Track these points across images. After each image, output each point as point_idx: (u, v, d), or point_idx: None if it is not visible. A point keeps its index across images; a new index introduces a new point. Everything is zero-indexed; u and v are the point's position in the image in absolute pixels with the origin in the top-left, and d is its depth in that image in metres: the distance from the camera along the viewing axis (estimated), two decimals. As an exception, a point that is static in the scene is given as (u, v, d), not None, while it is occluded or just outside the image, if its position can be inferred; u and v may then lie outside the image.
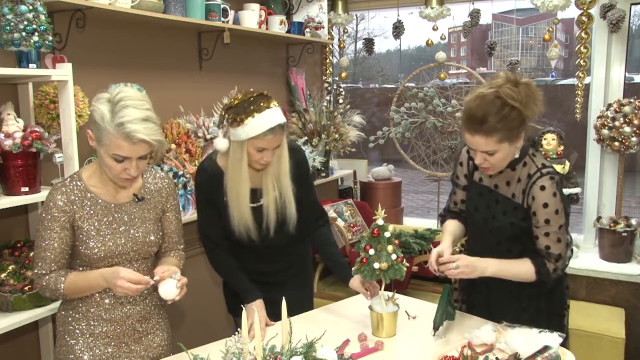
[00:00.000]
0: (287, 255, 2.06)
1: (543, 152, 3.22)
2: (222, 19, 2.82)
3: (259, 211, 1.92)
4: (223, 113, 1.83)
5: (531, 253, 1.77)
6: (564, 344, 1.70)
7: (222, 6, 2.80)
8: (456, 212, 2.01)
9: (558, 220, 1.70)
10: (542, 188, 1.69)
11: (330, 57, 4.16)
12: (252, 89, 1.87)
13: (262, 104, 1.75)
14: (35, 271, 1.56)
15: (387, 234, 1.75)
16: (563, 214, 1.71)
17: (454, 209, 2.02)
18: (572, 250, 1.83)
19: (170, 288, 1.54)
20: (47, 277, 1.55)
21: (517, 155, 1.73)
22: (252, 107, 1.74)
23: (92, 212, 1.58)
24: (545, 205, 1.69)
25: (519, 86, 1.62)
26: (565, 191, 3.13)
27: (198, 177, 1.96)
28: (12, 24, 1.80)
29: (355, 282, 1.93)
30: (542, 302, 1.84)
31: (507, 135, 1.63)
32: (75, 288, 1.55)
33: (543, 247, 1.73)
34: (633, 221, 3.14)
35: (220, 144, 1.85)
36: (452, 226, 1.96)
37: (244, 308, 1.35)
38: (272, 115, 1.75)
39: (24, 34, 1.81)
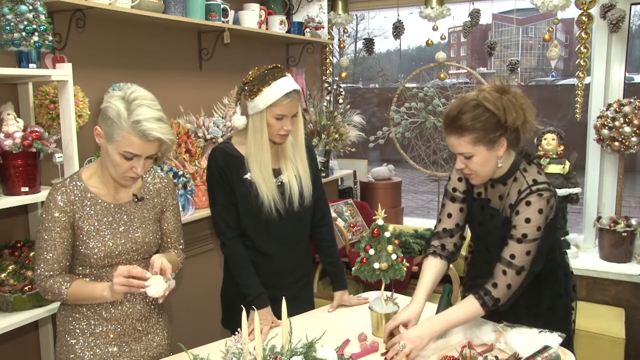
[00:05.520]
0: (296, 247, 2.05)
1: (543, 152, 3.23)
2: (222, 19, 2.82)
3: (281, 187, 1.95)
4: (239, 90, 1.91)
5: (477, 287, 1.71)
6: (567, 345, 1.70)
7: (222, 6, 2.81)
8: (441, 246, 1.87)
9: (535, 234, 1.64)
10: (528, 203, 1.64)
11: (330, 57, 4.17)
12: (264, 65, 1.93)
13: (276, 74, 1.86)
14: (38, 272, 1.56)
15: (387, 234, 1.75)
16: (543, 230, 1.65)
17: (443, 235, 1.88)
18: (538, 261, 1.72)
19: (160, 290, 1.51)
20: (50, 281, 1.54)
21: (500, 164, 1.69)
22: (267, 77, 1.84)
23: (92, 212, 1.58)
24: (528, 221, 1.64)
25: (503, 94, 1.62)
26: (565, 191, 3.15)
27: (213, 159, 1.95)
28: (12, 24, 1.80)
29: (337, 297, 2.06)
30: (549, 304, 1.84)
31: (482, 138, 1.60)
32: (80, 296, 1.54)
33: (507, 256, 1.65)
34: (633, 221, 3.14)
35: (238, 120, 1.92)
36: (432, 274, 1.82)
37: (243, 308, 1.35)
38: (287, 82, 1.85)
39: (24, 34, 1.81)
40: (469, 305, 1.67)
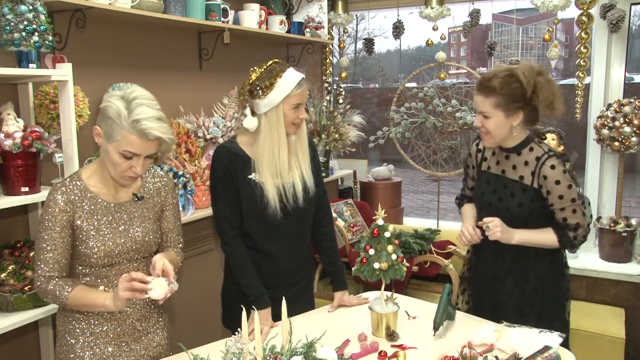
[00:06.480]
0: (299, 246, 2.05)
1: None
2: (222, 19, 2.82)
3: (286, 186, 1.95)
4: (246, 92, 1.89)
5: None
6: (565, 343, 1.70)
7: (222, 6, 2.81)
8: (470, 197, 2.17)
9: (571, 194, 1.82)
10: (552, 167, 1.81)
11: (330, 57, 4.17)
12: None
13: (280, 67, 1.88)
14: (39, 272, 1.55)
15: (387, 234, 1.75)
16: (575, 188, 1.82)
17: (469, 193, 2.18)
18: (591, 216, 1.95)
19: (162, 293, 1.51)
20: (51, 283, 1.54)
21: (514, 133, 1.84)
22: (275, 71, 1.85)
23: (91, 211, 1.58)
24: (558, 182, 1.80)
25: (536, 75, 1.76)
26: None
27: (217, 159, 1.93)
28: (12, 24, 1.80)
29: (337, 297, 2.05)
30: (544, 294, 1.91)
31: (503, 103, 1.76)
32: (79, 302, 1.54)
33: (561, 220, 1.85)
34: (633, 221, 3.14)
35: (250, 122, 1.89)
36: (471, 209, 2.12)
37: (243, 308, 1.35)
38: (294, 72, 1.89)
39: (24, 34, 1.81)
40: (549, 234, 1.87)
